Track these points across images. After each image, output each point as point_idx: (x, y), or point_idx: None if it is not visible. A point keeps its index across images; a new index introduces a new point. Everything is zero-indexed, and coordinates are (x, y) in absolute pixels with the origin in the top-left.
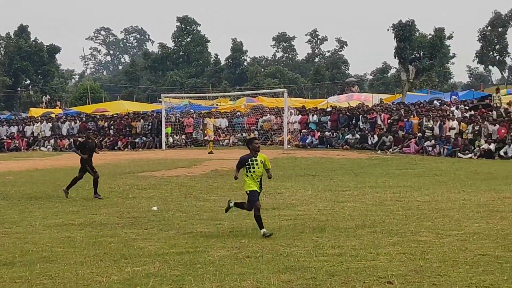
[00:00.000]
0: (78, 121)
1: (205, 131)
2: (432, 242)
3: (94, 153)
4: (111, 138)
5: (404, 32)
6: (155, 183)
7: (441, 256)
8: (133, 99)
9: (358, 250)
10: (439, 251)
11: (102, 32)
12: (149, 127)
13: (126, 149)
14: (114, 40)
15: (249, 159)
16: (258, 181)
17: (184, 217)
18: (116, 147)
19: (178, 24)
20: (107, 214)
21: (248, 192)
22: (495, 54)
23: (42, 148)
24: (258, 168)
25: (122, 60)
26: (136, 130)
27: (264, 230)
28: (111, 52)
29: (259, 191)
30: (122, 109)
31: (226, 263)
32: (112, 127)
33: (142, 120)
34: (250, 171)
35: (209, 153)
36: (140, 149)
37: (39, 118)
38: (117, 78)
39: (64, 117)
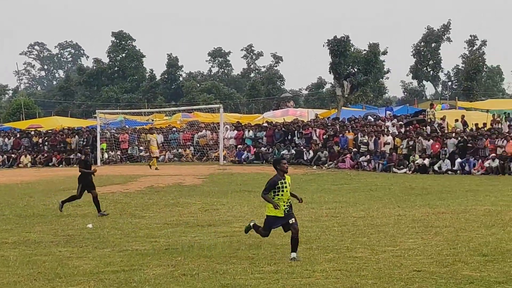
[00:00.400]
0: (11, 137)
1: (149, 148)
2: (368, 258)
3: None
4: (45, 155)
5: (339, 48)
6: (90, 200)
7: (377, 272)
8: (67, 114)
9: (294, 267)
10: (375, 267)
11: (36, 47)
12: (84, 143)
13: (61, 165)
14: (49, 55)
15: (279, 182)
16: (287, 205)
17: (119, 234)
18: (50, 164)
19: (113, 39)
20: (41, 232)
21: (266, 216)
22: (429, 69)
23: None
24: (287, 191)
25: (57, 75)
26: (71, 146)
27: (248, 231)
28: (45, 67)
29: (282, 215)
30: (56, 125)
31: (162, 281)
32: (46, 143)
33: (76, 136)
34: (278, 195)
35: (156, 169)
36: (75, 165)
37: None
38: (51, 94)
39: None
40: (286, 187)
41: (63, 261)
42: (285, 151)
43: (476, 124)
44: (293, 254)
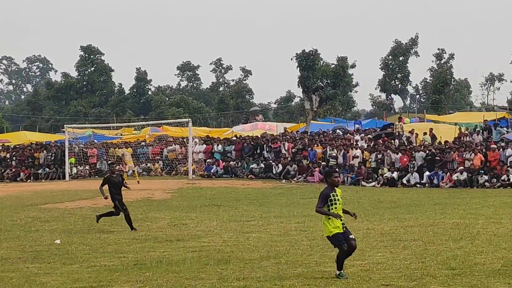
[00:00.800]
0: None
1: (124, 162)
2: None
3: (124, 187)
4: (13, 170)
5: (308, 62)
6: (58, 215)
7: (345, 287)
8: (36, 129)
9: (263, 282)
10: (343, 282)
11: (4, 61)
12: (52, 158)
13: (29, 180)
14: (16, 69)
15: (331, 194)
16: (343, 219)
17: (87, 250)
18: (18, 179)
19: (82, 53)
20: (8, 248)
21: (330, 237)
22: (397, 83)
23: None
24: (340, 204)
25: (25, 89)
26: (39, 161)
27: (341, 272)
28: (13, 81)
29: (341, 231)
30: (24, 140)
31: None
32: (14, 158)
33: (45, 151)
34: (332, 208)
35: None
36: (43, 181)
37: None
38: (19, 108)
39: None
40: (338, 199)
41: (30, 278)
42: (254, 165)
43: (457, 138)
44: (340, 272)
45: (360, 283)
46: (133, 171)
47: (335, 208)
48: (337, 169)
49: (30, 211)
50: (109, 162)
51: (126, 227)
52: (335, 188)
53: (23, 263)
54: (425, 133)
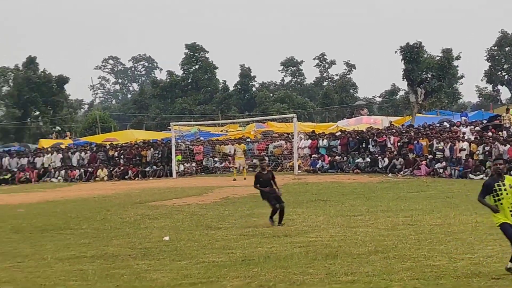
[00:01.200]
0: (88, 151)
1: (234, 158)
2: (445, 266)
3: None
4: (122, 168)
5: (412, 54)
6: (166, 212)
7: (455, 281)
8: (142, 127)
9: (371, 277)
10: (453, 275)
11: (110, 61)
12: (159, 156)
13: (137, 178)
14: (122, 68)
15: (495, 184)
16: (511, 211)
17: (196, 246)
18: (126, 177)
19: (186, 51)
20: (118, 245)
21: (499, 226)
22: (503, 74)
23: (52, 180)
24: (507, 194)
25: (131, 88)
26: (146, 159)
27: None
28: (120, 80)
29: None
30: (131, 138)
31: None
32: (122, 156)
33: (152, 149)
34: (497, 199)
35: (234, 179)
36: (150, 178)
37: (49, 149)
38: (126, 107)
39: (74, 147)
40: (505, 190)
41: (140, 274)
42: (359, 159)
43: None
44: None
45: (470, 277)
46: (243, 167)
47: (502, 198)
48: (502, 157)
49: (138, 208)
50: (259, 158)
51: (233, 222)
52: (505, 176)
53: (133, 259)
54: None
